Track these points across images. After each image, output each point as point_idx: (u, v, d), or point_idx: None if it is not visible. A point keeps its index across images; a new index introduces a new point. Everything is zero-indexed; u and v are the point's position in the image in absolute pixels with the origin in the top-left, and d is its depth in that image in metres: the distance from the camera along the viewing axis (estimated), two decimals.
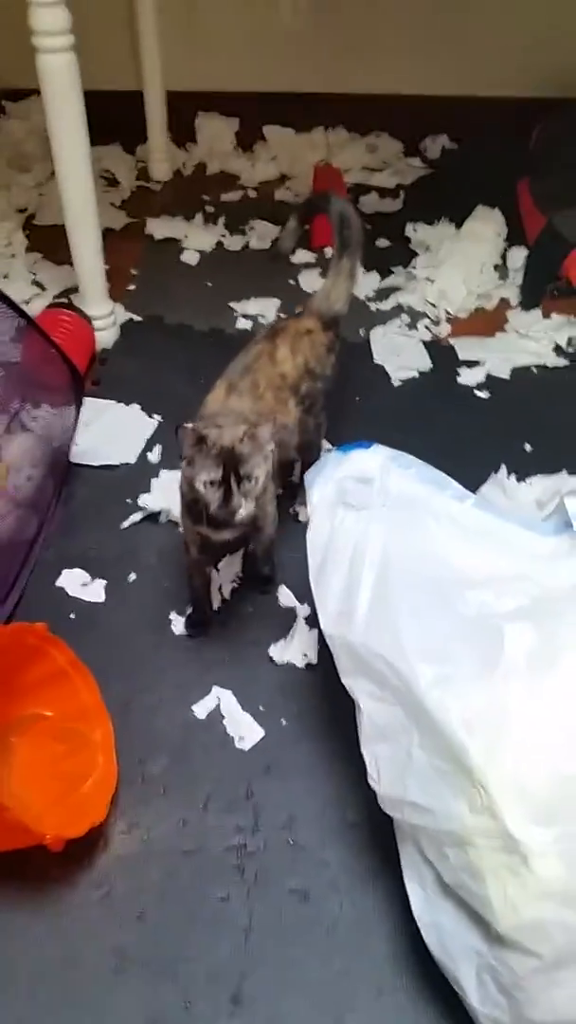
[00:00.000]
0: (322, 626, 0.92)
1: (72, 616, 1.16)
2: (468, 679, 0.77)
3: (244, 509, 0.95)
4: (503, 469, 1.29)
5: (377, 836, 0.91)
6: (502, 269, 1.85)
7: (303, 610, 1.16)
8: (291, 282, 1.85)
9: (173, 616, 1.17)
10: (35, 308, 1.65)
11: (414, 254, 1.91)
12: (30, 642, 0.97)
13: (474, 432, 1.46)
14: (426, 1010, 0.80)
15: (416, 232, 1.96)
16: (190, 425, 0.96)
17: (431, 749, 0.77)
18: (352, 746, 0.89)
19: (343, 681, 0.89)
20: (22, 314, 1.17)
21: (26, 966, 0.84)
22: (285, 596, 1.19)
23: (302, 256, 1.92)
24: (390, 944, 0.84)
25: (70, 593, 1.19)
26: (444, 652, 0.80)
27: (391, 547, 0.91)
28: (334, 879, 0.89)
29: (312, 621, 1.14)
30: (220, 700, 1.06)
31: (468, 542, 0.91)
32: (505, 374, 1.60)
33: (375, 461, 0.98)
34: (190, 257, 1.95)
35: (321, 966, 0.83)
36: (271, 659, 1.11)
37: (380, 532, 0.93)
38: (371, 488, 0.97)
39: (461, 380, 1.58)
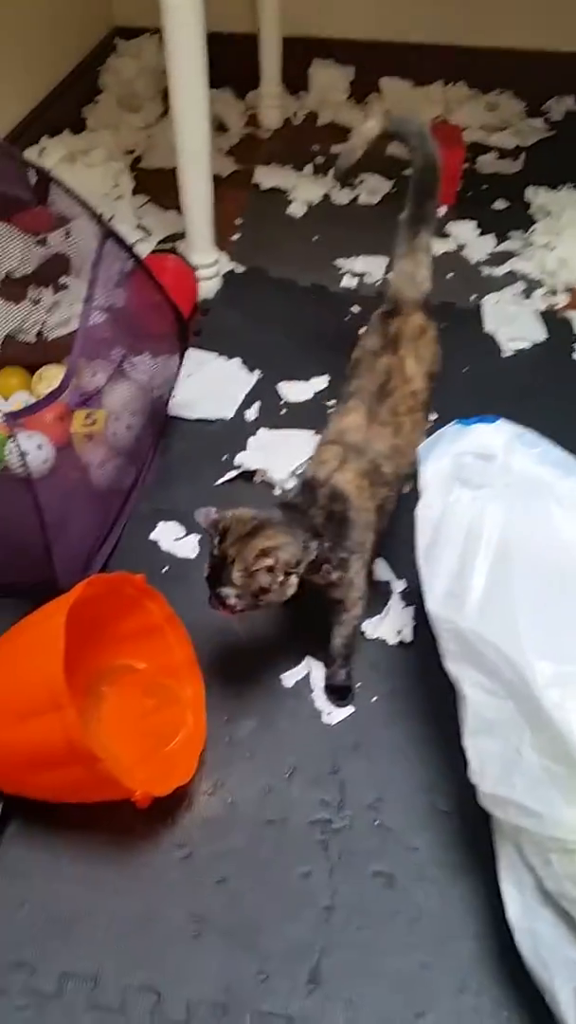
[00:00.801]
0: (428, 607, 0.88)
1: (164, 570, 1.14)
2: None
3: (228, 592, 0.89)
4: None
5: (468, 828, 0.88)
6: None
7: (399, 585, 1.12)
8: None
9: None
10: (139, 252, 1.62)
11: (532, 220, 1.81)
12: (128, 593, 0.96)
13: None
14: (510, 1018, 0.77)
15: (537, 196, 1.85)
16: (213, 512, 0.90)
17: (544, 750, 0.72)
18: (444, 732, 0.86)
19: (447, 666, 0.85)
20: (132, 255, 1.14)
21: (106, 918, 0.83)
22: (381, 568, 1.14)
23: None
24: (476, 943, 0.81)
25: (163, 547, 1.17)
26: (566, 649, 0.75)
27: (511, 530, 0.86)
28: (421, 867, 0.86)
29: (408, 597, 1.10)
30: (311, 671, 1.03)
31: None
32: None
33: (499, 437, 0.92)
34: (297, 209, 1.88)
35: (403, 956, 0.81)
36: (363, 634, 1.08)
37: (499, 513, 0.87)
38: (492, 466, 0.91)
39: None
